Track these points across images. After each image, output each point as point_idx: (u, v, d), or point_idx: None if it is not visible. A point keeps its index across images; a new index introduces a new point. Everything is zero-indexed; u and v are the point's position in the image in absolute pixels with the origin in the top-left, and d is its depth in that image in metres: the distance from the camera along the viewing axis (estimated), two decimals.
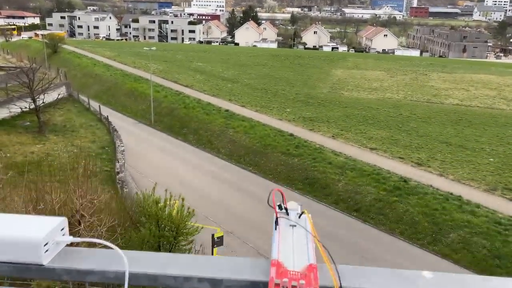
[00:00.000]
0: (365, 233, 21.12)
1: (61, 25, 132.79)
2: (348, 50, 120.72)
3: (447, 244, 19.87)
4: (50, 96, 36.75)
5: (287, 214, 1.63)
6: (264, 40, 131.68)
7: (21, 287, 13.40)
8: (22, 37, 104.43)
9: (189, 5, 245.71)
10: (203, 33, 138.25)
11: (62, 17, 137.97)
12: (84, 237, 13.83)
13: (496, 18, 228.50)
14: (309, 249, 1.43)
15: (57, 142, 31.52)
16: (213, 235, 15.28)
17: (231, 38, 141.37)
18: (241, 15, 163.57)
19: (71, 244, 1.53)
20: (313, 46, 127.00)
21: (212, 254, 15.18)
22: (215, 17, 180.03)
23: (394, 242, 20.46)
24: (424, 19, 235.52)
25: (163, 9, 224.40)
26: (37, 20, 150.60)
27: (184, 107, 39.96)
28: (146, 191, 17.26)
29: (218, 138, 33.55)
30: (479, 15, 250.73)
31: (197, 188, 25.12)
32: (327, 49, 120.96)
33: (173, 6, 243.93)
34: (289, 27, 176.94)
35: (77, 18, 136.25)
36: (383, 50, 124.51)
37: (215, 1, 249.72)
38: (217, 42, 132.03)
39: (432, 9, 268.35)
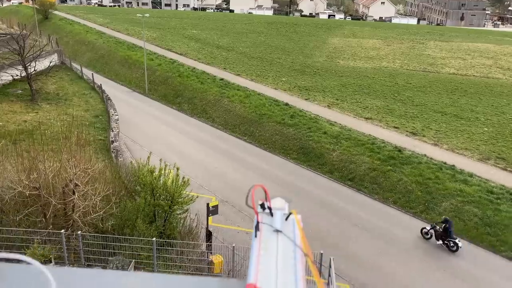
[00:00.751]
0: (358, 202, 21.33)
1: None
2: (345, 18, 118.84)
3: (439, 213, 20.12)
4: (42, 64, 36.11)
5: (271, 214, 1.36)
6: (259, 7, 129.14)
7: None
8: (12, 3, 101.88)
9: None
10: None
11: None
12: None
13: None
14: (297, 268, 1.14)
15: (50, 110, 31.18)
16: (208, 204, 15.36)
17: (226, 5, 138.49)
18: None
19: None
20: (310, 14, 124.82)
21: (207, 223, 15.30)
22: None
23: (387, 210, 20.70)
24: None
25: None
26: None
27: (178, 76, 39.47)
28: (141, 160, 17.22)
29: (213, 108, 33.31)
30: None
31: (192, 158, 25.10)
32: (323, 16, 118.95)
33: None
34: None
35: None
36: (380, 18, 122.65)
37: None
38: (211, 9, 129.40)
39: None
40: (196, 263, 14.30)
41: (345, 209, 20.55)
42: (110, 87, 38.00)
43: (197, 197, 16.46)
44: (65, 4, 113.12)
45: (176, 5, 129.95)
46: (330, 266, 13.29)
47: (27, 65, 32.46)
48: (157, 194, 15.96)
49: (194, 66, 42.24)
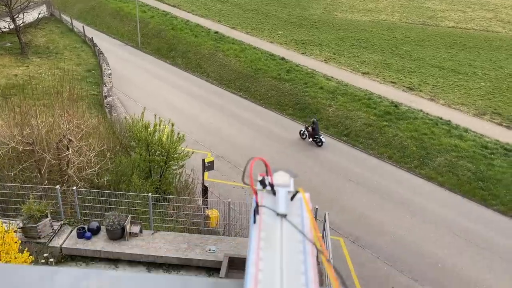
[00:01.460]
0: (353, 157, 21.39)
1: None
2: None
3: (433, 168, 20.28)
4: (30, 16, 34.94)
5: (273, 193, 1.11)
6: None
7: None
8: None
9: None
10: None
11: None
12: None
13: None
14: (307, 266, 0.91)
15: (40, 64, 30.47)
16: (203, 160, 15.32)
17: None
18: None
19: None
20: None
21: (203, 178, 15.33)
22: None
23: (382, 166, 20.82)
24: None
25: None
26: None
27: (171, 29, 38.41)
28: (135, 116, 17.02)
29: (207, 62, 32.66)
30: None
31: (187, 113, 24.86)
32: None
33: None
34: None
35: None
36: None
37: None
38: None
39: None
40: (192, 218, 14.45)
41: (340, 164, 20.63)
42: (102, 40, 37.01)
43: (192, 152, 16.41)
44: None
45: None
46: (324, 221, 13.48)
47: (15, 16, 31.38)
48: (152, 150, 15.89)
49: (188, 18, 41.03)
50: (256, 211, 1.07)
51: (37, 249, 12.12)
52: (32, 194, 13.45)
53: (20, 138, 15.30)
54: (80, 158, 15.32)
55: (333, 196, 17.91)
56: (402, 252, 15.15)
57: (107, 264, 12.85)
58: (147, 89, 28.11)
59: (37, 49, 33.62)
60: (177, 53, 34.89)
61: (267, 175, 1.14)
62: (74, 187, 14.01)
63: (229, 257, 12.41)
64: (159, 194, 14.75)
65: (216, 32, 36.89)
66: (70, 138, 15.59)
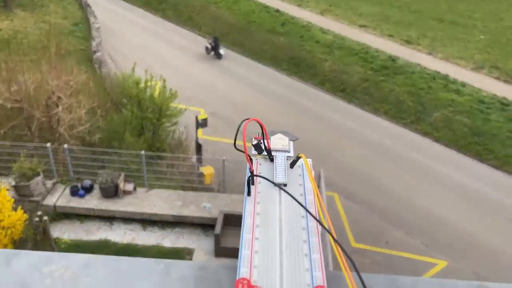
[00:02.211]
0: (349, 113, 21.13)
1: None
2: None
3: (430, 123, 20.13)
4: None
5: (271, 160, 0.96)
6: None
7: None
8: None
9: None
10: None
11: None
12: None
13: None
14: (312, 245, 0.74)
15: (25, 18, 29.30)
16: (196, 117, 15.02)
17: None
18: None
19: None
20: None
21: (196, 135, 15.10)
22: None
23: (378, 121, 20.61)
24: None
25: None
26: None
27: None
28: (126, 72, 16.52)
29: (199, 14, 31.57)
30: None
31: (179, 69, 24.25)
32: None
33: None
34: None
35: None
36: None
37: None
38: None
39: None
40: (186, 175, 14.34)
41: (336, 120, 20.40)
42: None
43: (185, 110, 16.09)
44: None
45: None
46: (319, 177, 13.43)
47: None
48: (144, 107, 15.54)
49: None
50: (250, 182, 0.89)
51: (31, 208, 12.03)
52: (23, 153, 13.21)
53: (7, 95, 14.87)
54: (71, 116, 14.97)
55: (327, 152, 17.80)
56: (397, 207, 15.25)
57: (101, 222, 12.83)
58: (137, 44, 27.27)
59: (21, 1, 32.23)
60: (167, 5, 33.64)
61: (263, 139, 0.95)
62: (65, 145, 13.76)
63: (224, 214, 12.41)
64: (153, 152, 14.55)
65: None
66: (59, 95, 15.17)
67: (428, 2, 34.18)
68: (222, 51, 25.53)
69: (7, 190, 11.79)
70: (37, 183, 12.84)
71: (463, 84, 22.43)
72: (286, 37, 27.36)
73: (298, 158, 0.94)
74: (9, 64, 16.31)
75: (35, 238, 10.26)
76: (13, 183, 12.72)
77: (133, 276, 0.73)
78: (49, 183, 13.42)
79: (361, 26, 28.82)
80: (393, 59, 24.47)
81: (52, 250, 9.92)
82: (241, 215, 0.77)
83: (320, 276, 0.65)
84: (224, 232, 12.03)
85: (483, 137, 19.22)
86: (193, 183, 14.06)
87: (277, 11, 30.47)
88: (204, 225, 12.81)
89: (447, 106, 20.90)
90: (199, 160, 14.87)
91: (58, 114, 14.95)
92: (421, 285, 0.80)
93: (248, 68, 24.79)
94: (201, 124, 14.61)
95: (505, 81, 23.13)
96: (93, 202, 12.97)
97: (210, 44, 25.75)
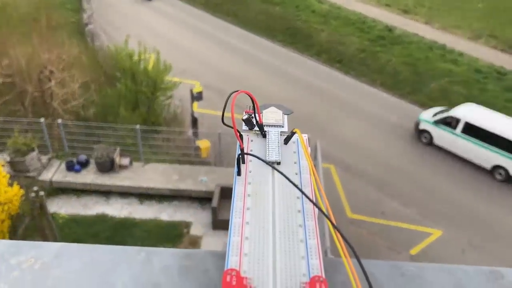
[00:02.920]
0: (346, 84, 20.96)
1: None
2: None
3: (426, 94, 20.02)
4: None
5: (263, 135, 0.87)
6: None
7: None
8: None
9: None
10: None
11: None
12: None
13: None
14: (309, 228, 0.68)
15: None
16: (191, 90, 14.85)
17: None
18: None
19: None
20: None
21: (192, 109, 14.96)
22: None
23: (374, 93, 20.48)
24: None
25: None
26: None
27: None
28: (118, 44, 16.23)
29: None
30: None
31: (173, 41, 23.84)
32: None
33: None
34: None
35: None
36: None
37: None
38: None
39: None
40: (182, 149, 14.29)
41: (332, 92, 20.25)
42: None
43: (180, 83, 15.90)
44: None
45: None
46: (316, 149, 13.42)
47: None
48: (138, 80, 15.33)
49: None
50: (240, 160, 0.81)
51: (27, 183, 11.99)
52: (17, 128, 13.09)
53: None
54: (64, 90, 14.79)
55: (323, 124, 17.75)
56: (393, 178, 15.32)
57: (98, 196, 12.85)
58: (129, 16, 26.71)
59: None
60: None
61: (254, 113, 0.88)
62: (59, 120, 13.63)
63: (221, 187, 12.44)
64: (148, 126, 14.45)
65: None
66: (52, 69, 14.93)
67: None
68: None
69: (2, 166, 11.72)
70: (32, 159, 12.77)
71: (460, 54, 22.23)
72: (282, 7, 26.86)
73: (292, 133, 0.86)
74: None
75: (32, 214, 10.27)
76: (8, 158, 12.64)
77: (110, 266, 0.68)
78: (44, 159, 13.36)
79: None
80: (390, 29, 24.15)
81: (50, 225, 9.95)
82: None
83: (317, 264, 0.60)
84: (221, 205, 12.09)
85: None
86: (190, 157, 14.03)
87: None
88: (201, 199, 12.86)
89: (444, 76, 20.76)
90: (195, 134, 14.80)
91: (51, 88, 14.75)
92: (427, 272, 0.75)
93: (243, 39, 24.41)
94: (196, 97, 14.47)
95: (502, 50, 22.93)
96: (89, 176, 12.95)
97: None
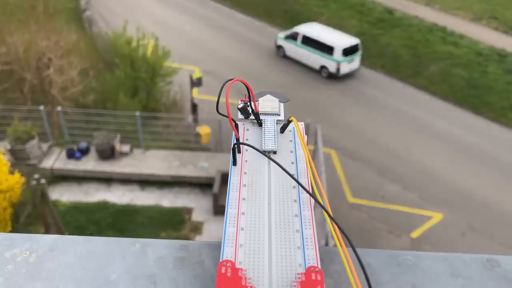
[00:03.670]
0: None
1: None
2: None
3: (426, 77, 19.92)
4: None
5: (259, 124, 0.86)
6: None
7: None
8: None
9: None
10: None
11: None
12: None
13: None
14: (305, 218, 0.67)
15: None
16: (191, 76, 14.77)
17: None
18: None
19: None
20: None
21: (191, 95, 14.92)
22: None
23: (374, 76, 20.38)
24: None
25: None
26: None
27: None
28: (117, 30, 16.10)
29: None
30: None
31: (171, 27, 23.65)
32: None
33: None
34: None
35: None
36: None
37: None
38: None
39: None
40: (183, 136, 14.29)
41: (331, 77, 20.14)
42: None
43: (179, 68, 15.81)
44: None
45: None
46: (316, 134, 13.41)
47: None
48: (137, 67, 15.26)
49: None
50: (235, 150, 0.82)
51: (28, 171, 12.03)
52: (16, 116, 13.08)
53: None
54: (63, 77, 14.73)
55: (323, 109, 17.70)
56: (394, 163, 15.34)
57: (99, 184, 12.89)
58: (127, 1, 26.45)
59: None
60: None
61: (250, 101, 0.86)
62: (59, 107, 13.61)
63: (222, 173, 12.47)
64: (148, 113, 14.43)
65: None
66: (50, 56, 14.85)
67: None
68: None
69: (3, 154, 11.75)
70: (33, 146, 12.79)
71: (461, 36, 22.05)
72: None
73: (289, 121, 0.85)
74: None
75: (34, 202, 10.32)
76: (8, 146, 12.66)
77: (104, 258, 0.68)
78: (44, 146, 13.37)
79: None
80: (389, 11, 23.91)
81: (52, 212, 10.01)
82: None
83: (313, 255, 0.61)
84: (222, 191, 12.14)
85: (479, 90, 19.10)
86: (190, 143, 14.04)
87: None
88: (202, 185, 12.90)
89: (444, 59, 20.63)
90: (195, 120, 14.77)
91: (49, 76, 14.69)
92: (424, 260, 0.75)
93: (241, 23, 24.20)
94: (196, 83, 14.40)
95: (504, 32, 22.73)
96: (90, 164, 12.98)
97: None
